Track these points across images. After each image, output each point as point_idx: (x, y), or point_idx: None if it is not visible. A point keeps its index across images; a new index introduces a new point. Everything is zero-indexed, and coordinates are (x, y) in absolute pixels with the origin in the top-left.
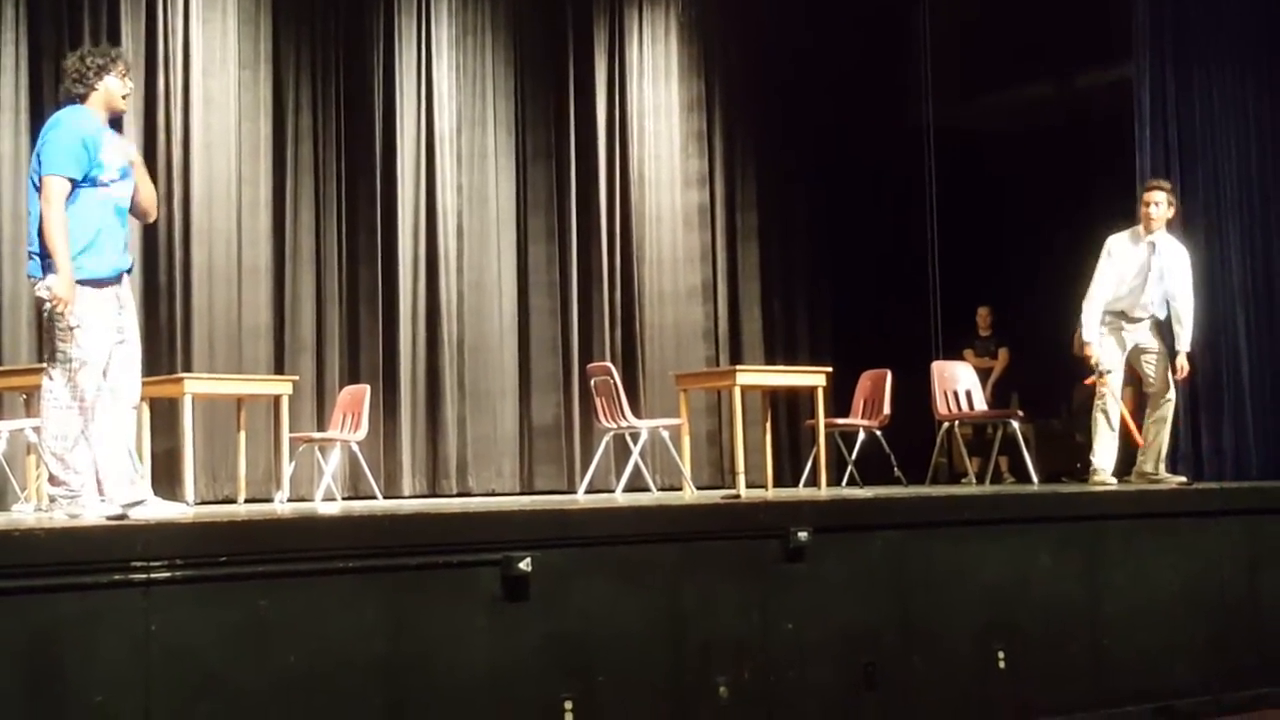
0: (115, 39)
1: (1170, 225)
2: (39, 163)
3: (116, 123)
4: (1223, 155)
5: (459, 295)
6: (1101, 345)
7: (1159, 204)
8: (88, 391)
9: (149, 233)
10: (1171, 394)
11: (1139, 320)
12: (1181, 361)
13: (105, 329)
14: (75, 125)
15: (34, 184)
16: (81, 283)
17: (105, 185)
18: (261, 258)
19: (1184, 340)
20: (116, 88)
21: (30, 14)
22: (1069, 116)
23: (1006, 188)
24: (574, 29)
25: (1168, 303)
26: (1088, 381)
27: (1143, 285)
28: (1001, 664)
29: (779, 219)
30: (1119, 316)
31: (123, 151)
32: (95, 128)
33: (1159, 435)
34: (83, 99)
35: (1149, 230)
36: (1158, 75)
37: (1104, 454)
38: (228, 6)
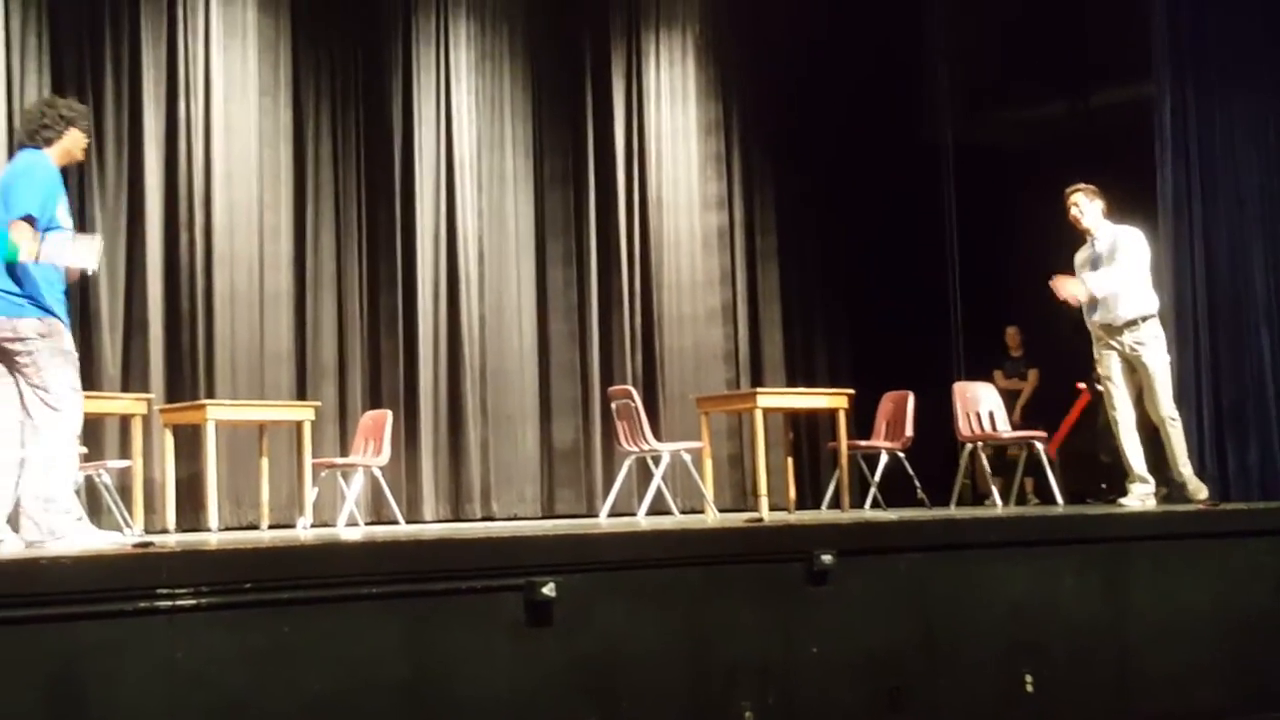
0: (137, 68)
1: (1111, 217)
2: (4, 205)
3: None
4: (1244, 173)
5: (479, 319)
6: (1100, 357)
7: (1076, 205)
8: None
9: (170, 259)
10: (1171, 415)
11: (1118, 327)
12: (1076, 285)
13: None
14: (43, 173)
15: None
16: (56, 319)
17: (50, 235)
18: (283, 283)
19: (1097, 286)
20: (80, 140)
21: (53, 43)
22: (1089, 134)
23: (1026, 206)
24: (592, 53)
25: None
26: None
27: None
28: (1029, 686)
29: (798, 240)
30: (1105, 330)
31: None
32: (58, 180)
33: (1166, 445)
34: (47, 144)
35: (1083, 232)
36: (1178, 93)
37: (1133, 455)
38: (248, 33)
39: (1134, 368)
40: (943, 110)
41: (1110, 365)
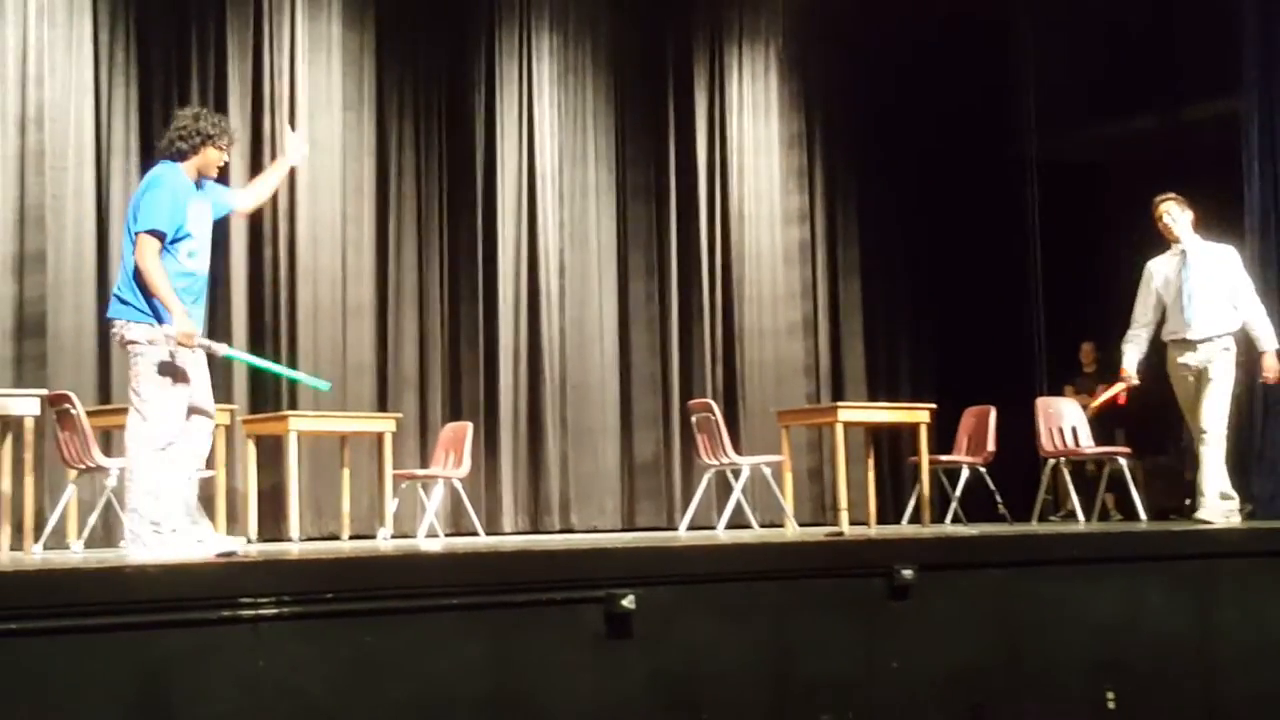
0: (222, 81)
1: (1199, 230)
2: (134, 218)
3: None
4: None
5: (560, 332)
6: (1175, 380)
7: (1168, 214)
8: None
9: (255, 273)
10: (1210, 431)
11: (1195, 343)
12: (1270, 361)
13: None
14: (173, 185)
15: (130, 235)
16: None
17: (182, 244)
18: (365, 296)
19: (1265, 339)
20: (215, 158)
21: (140, 59)
22: (1175, 150)
23: (1110, 221)
24: (674, 66)
25: (1235, 313)
26: (1099, 402)
27: (1179, 300)
28: (1111, 704)
29: (880, 254)
30: (1178, 345)
31: (205, 215)
32: (189, 190)
33: (1199, 471)
34: (181, 158)
35: (1173, 240)
36: (1265, 109)
37: (1209, 473)
38: (332, 48)
39: (1202, 383)
40: (1028, 125)
41: (1183, 389)
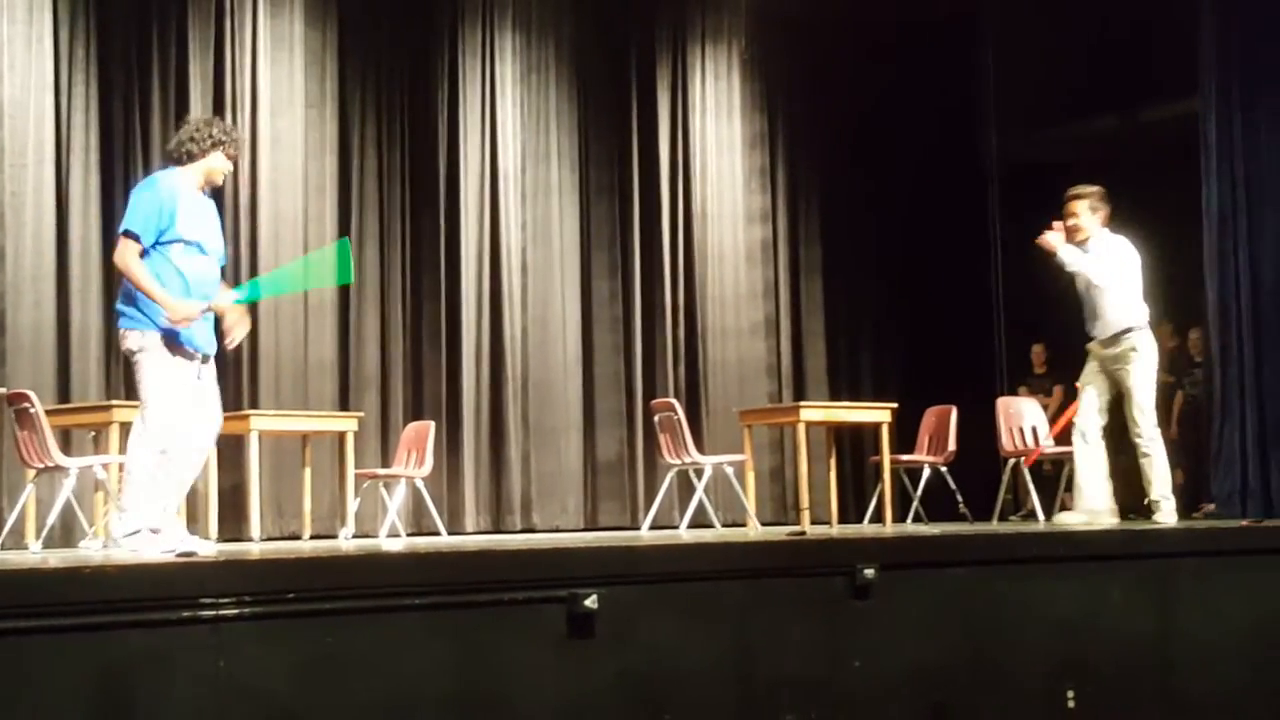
0: (184, 78)
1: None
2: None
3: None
4: None
5: (523, 331)
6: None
7: (1075, 215)
8: None
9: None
10: (1144, 432)
11: (1099, 340)
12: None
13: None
14: (164, 188)
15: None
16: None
17: (172, 246)
18: (327, 294)
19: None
20: (220, 164)
21: (100, 56)
22: (1135, 150)
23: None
24: (637, 66)
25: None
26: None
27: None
28: (1071, 703)
29: (842, 254)
30: (1094, 345)
31: (214, 234)
32: (180, 193)
33: (1145, 473)
34: (189, 159)
35: (1079, 244)
36: (1224, 109)
37: (1083, 474)
38: (294, 46)
39: (1114, 383)
40: (989, 125)
41: (1087, 378)
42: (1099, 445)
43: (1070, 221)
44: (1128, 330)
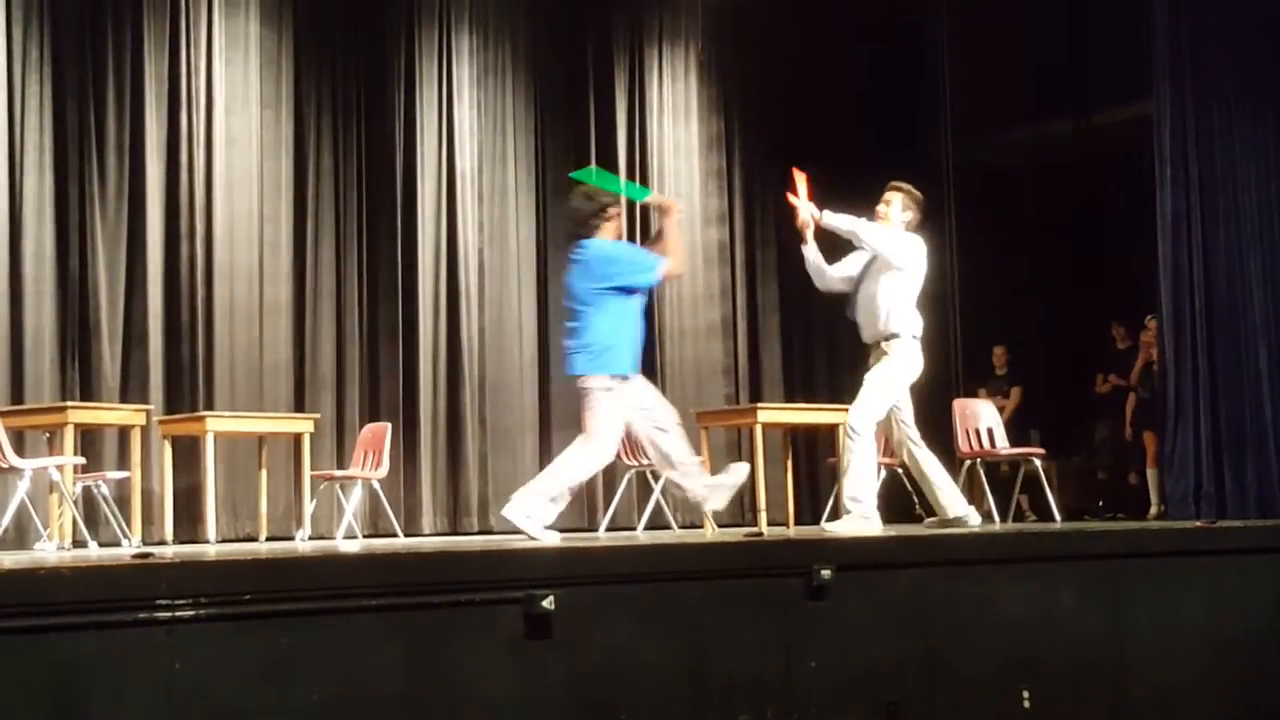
0: (139, 79)
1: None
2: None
3: None
4: (1243, 192)
5: (480, 332)
6: None
7: (887, 203)
8: None
9: (171, 271)
10: (850, 418)
11: (868, 345)
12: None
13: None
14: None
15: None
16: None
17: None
18: (282, 295)
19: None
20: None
21: (54, 54)
22: (1088, 153)
23: (1025, 224)
24: (594, 69)
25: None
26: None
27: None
28: (1026, 703)
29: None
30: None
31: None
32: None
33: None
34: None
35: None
36: (1178, 112)
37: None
38: (250, 46)
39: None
40: (945, 128)
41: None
42: (923, 447)
43: (880, 207)
44: (891, 337)
